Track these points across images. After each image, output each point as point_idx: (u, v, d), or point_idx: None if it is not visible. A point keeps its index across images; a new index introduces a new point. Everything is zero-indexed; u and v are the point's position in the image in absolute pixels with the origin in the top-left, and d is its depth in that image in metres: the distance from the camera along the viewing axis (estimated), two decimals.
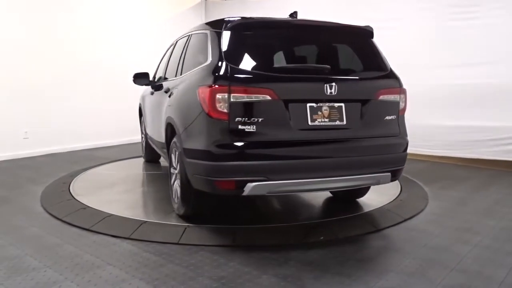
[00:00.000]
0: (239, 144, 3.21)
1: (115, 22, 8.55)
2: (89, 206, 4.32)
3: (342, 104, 3.46)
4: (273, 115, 3.27)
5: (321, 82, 3.39)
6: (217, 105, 3.19)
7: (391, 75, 3.83)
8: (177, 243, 3.46)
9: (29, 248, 3.34)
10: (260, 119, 3.22)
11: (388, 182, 3.74)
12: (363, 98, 3.58)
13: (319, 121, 3.39)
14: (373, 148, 3.60)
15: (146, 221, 3.95)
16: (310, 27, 3.84)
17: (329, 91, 3.38)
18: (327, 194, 4.85)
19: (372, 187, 5.43)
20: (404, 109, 3.84)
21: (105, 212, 4.12)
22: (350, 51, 4.00)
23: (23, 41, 7.02)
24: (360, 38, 3.93)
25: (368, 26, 3.95)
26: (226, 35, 3.50)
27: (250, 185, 3.19)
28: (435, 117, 7.06)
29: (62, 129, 7.64)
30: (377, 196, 4.80)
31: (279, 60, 3.77)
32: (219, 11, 9.79)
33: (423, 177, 5.85)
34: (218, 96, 3.19)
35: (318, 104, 3.40)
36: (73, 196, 4.68)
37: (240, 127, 3.20)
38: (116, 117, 8.38)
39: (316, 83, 3.41)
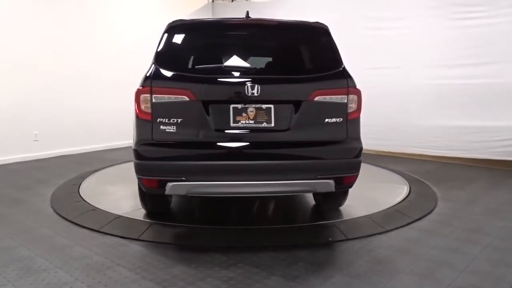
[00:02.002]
0: (160, 144, 3.31)
1: (123, 24, 8.59)
2: (98, 208, 4.34)
3: (271, 106, 3.31)
4: (191, 116, 3.30)
5: (242, 83, 3.28)
6: (142, 106, 3.32)
7: (337, 75, 3.50)
8: (186, 244, 3.47)
9: (39, 249, 3.37)
10: (179, 120, 3.27)
11: (331, 190, 3.40)
12: (295, 99, 3.37)
13: (242, 123, 3.29)
14: (306, 153, 3.38)
15: (155, 222, 3.97)
16: (251, 26, 3.74)
17: (250, 92, 3.24)
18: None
19: (382, 188, 5.43)
20: (356, 112, 3.48)
21: (114, 214, 4.15)
22: (293, 50, 3.81)
23: (33, 44, 7.09)
24: (308, 36, 3.76)
25: (318, 23, 3.74)
26: (163, 37, 3.59)
27: (170, 184, 3.25)
28: (443, 118, 7.02)
29: (72, 130, 7.69)
30: (386, 197, 4.79)
31: (213, 61, 3.69)
32: (225, 13, 9.83)
33: (431, 178, 5.82)
34: (142, 97, 3.31)
35: (244, 105, 3.29)
36: (82, 198, 4.71)
37: (161, 127, 3.28)
38: (127, 119, 8.38)
39: (237, 84, 3.32)
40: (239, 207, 4.47)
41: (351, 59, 7.98)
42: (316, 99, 3.36)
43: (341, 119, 3.40)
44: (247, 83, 3.26)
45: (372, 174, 6.26)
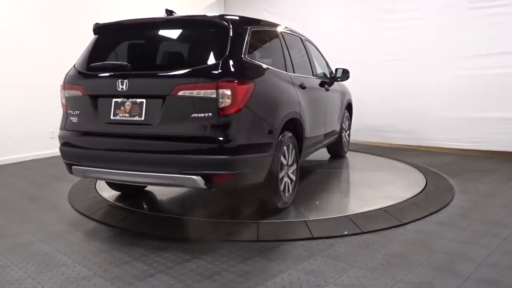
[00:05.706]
0: (67, 132, 3.87)
1: None
2: (115, 203, 4.40)
3: (144, 100, 3.48)
4: (84, 108, 3.74)
5: (114, 78, 3.53)
6: (62, 99, 3.93)
7: (209, 68, 3.37)
8: (202, 239, 3.49)
9: (58, 244, 3.42)
10: (78, 112, 3.78)
11: (200, 187, 3.33)
12: (161, 94, 3.40)
13: (120, 116, 3.56)
14: (169, 147, 3.38)
15: (171, 217, 4.01)
16: (149, 25, 3.93)
17: (120, 87, 3.48)
18: (348, 188, 4.81)
19: (399, 181, 5.38)
20: (231, 107, 3.27)
21: (131, 209, 4.20)
22: (179, 45, 3.90)
23: (49, 43, 7.17)
24: (197, 30, 3.76)
25: (207, 16, 3.69)
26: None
27: (73, 168, 3.81)
28: (461, 109, 6.93)
29: None
30: (402, 190, 4.75)
31: (110, 59, 3.90)
32: (238, 8, 9.80)
33: (449, 170, 5.75)
34: (61, 92, 3.93)
35: (123, 100, 3.55)
36: (99, 194, 4.77)
37: (70, 118, 3.84)
38: None
39: (110, 80, 3.57)
40: (253, 200, 4.46)
41: (369, 52, 7.99)
42: (179, 93, 3.33)
43: (211, 114, 3.27)
44: (117, 79, 3.51)
45: (388, 167, 6.21)
